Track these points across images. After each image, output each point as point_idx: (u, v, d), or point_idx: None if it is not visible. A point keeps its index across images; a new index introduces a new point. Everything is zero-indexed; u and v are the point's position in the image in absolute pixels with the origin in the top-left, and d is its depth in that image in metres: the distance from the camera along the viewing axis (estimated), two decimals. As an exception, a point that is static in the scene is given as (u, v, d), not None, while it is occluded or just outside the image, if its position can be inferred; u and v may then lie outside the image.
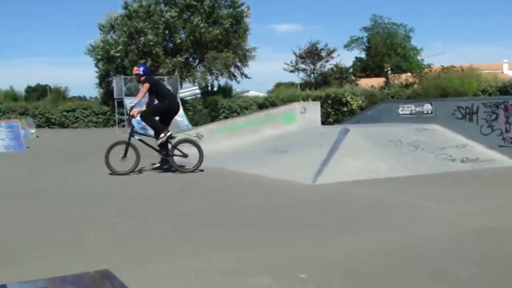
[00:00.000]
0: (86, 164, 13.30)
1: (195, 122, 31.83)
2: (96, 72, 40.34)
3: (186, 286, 4.18)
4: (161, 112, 11.24)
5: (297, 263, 4.64)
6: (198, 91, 41.84)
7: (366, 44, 55.60)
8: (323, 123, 16.93)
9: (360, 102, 29.39)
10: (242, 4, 38.77)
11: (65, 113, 38.09)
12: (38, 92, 54.80)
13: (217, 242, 5.45)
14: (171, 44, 38.53)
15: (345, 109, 29.53)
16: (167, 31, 37.18)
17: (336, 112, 29.85)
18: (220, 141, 14.36)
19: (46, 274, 3.06)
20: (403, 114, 14.35)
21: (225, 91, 39.20)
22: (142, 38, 36.75)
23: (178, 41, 37.26)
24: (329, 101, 29.85)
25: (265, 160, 11.56)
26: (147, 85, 10.92)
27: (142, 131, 11.79)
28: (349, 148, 10.61)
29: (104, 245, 5.43)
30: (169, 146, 11.18)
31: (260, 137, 13.98)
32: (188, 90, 43.93)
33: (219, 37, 37.26)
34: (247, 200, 8.05)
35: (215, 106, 35.43)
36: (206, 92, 39.27)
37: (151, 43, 36.19)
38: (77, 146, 19.18)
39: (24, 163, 14.23)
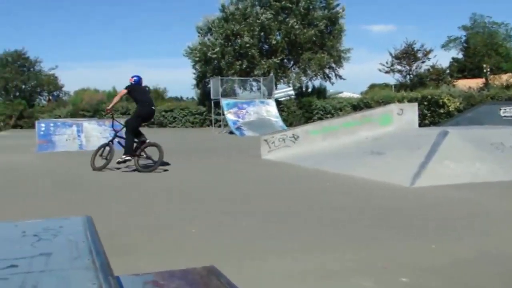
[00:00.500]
0: (186, 162, 13.97)
1: (289, 123, 32.06)
2: (194, 73, 41.50)
3: (289, 284, 4.25)
4: (137, 118, 12.42)
5: (398, 267, 4.60)
6: (291, 92, 42.07)
7: (464, 44, 53.96)
8: (419, 125, 16.64)
9: (458, 103, 28.62)
10: (337, 5, 38.70)
11: (163, 113, 39.27)
12: (138, 92, 56.85)
13: (318, 243, 5.48)
14: (266, 46, 39.01)
15: (441, 111, 28.85)
16: (262, 33, 37.69)
17: (432, 114, 29.22)
18: (315, 141, 14.44)
19: (154, 268, 3.26)
20: (505, 116, 13.91)
21: (320, 92, 39.27)
22: (238, 40, 37.41)
23: (274, 42, 37.64)
24: (425, 103, 29.25)
25: (361, 161, 11.54)
26: (124, 90, 12.42)
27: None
28: (449, 151, 10.39)
29: (206, 242, 5.58)
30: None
31: (356, 139, 13.84)
32: (282, 91, 44.23)
33: (314, 38, 37.36)
34: (344, 201, 8.04)
35: (309, 107, 35.56)
36: (300, 93, 39.46)
37: (247, 45, 36.81)
38: (175, 144, 19.74)
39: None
